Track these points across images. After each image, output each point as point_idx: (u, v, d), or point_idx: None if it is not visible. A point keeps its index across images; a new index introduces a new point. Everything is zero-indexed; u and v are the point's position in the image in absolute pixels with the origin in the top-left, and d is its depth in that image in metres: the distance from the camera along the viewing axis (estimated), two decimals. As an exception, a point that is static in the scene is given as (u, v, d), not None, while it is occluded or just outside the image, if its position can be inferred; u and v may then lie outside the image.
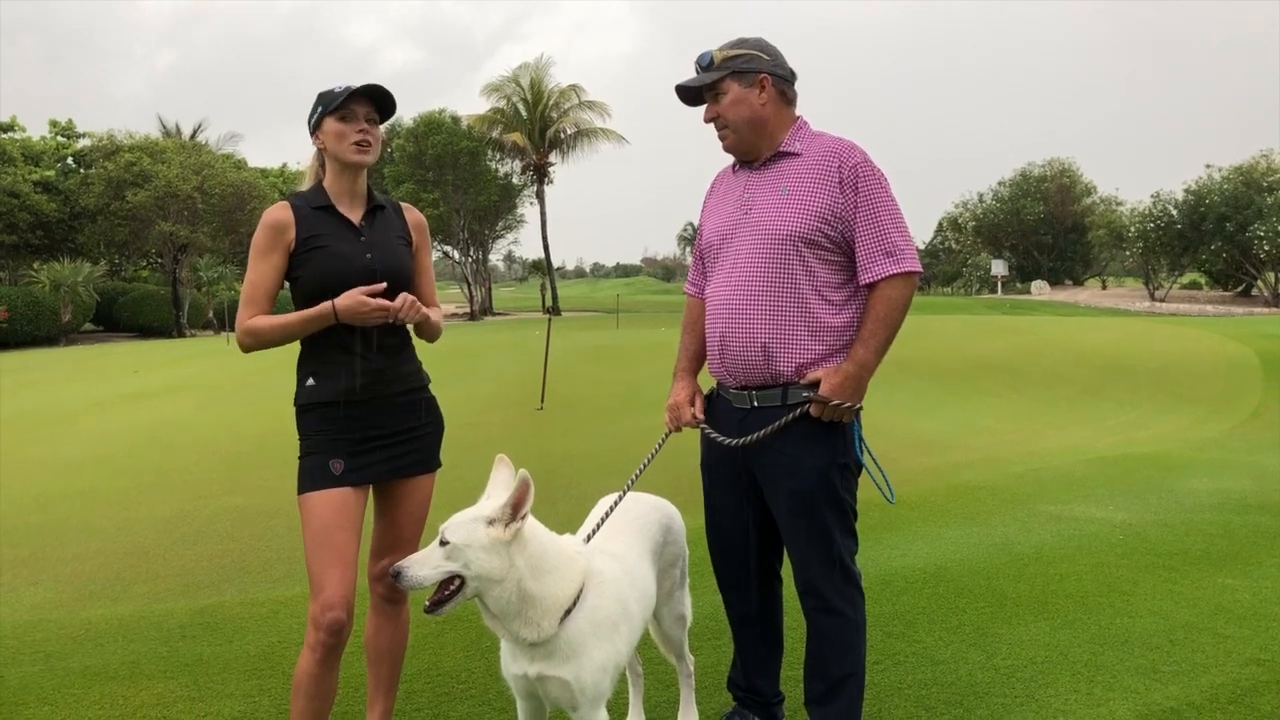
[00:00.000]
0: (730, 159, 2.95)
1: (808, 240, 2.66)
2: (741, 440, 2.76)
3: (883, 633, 3.87)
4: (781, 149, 2.77)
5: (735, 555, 2.98)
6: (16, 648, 4.04)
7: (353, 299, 2.59)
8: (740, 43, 2.77)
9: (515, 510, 2.29)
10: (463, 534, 2.27)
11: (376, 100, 2.72)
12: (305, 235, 2.66)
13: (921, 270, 2.76)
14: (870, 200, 2.65)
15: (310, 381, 2.68)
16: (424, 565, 2.27)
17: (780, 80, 2.76)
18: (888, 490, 2.88)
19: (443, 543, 2.27)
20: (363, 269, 2.68)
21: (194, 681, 3.60)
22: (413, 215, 2.93)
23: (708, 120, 2.83)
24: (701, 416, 2.94)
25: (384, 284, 2.65)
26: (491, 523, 2.28)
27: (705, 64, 2.78)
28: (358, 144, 2.68)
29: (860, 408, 2.70)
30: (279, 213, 2.67)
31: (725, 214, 2.87)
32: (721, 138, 2.83)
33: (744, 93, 2.73)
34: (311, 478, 2.65)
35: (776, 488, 2.76)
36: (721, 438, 2.83)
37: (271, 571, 5.21)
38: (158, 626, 4.24)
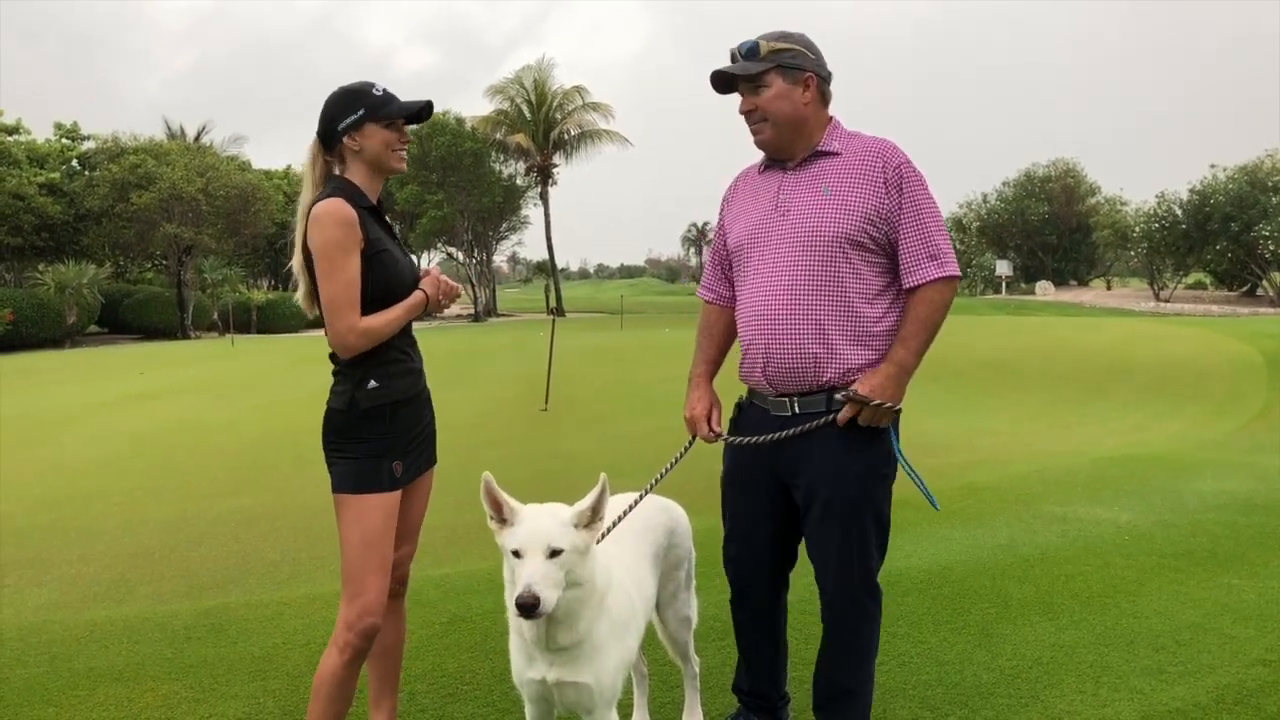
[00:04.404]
0: (740, 162, 2.88)
1: (853, 241, 2.59)
2: (767, 437, 2.68)
3: (887, 633, 3.85)
4: (820, 148, 2.69)
5: (756, 567, 2.89)
6: (21, 649, 4.04)
7: (435, 285, 2.73)
8: (785, 36, 2.67)
9: (595, 513, 2.29)
10: (569, 540, 2.20)
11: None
12: (371, 237, 2.64)
13: (961, 275, 2.69)
14: (914, 202, 2.60)
15: (373, 383, 2.64)
16: (552, 585, 2.15)
17: (822, 81, 2.68)
18: (929, 497, 2.80)
19: (553, 553, 2.17)
20: (408, 268, 2.77)
21: (198, 683, 3.60)
22: None
23: (744, 111, 2.71)
24: (720, 430, 2.86)
25: (437, 268, 2.80)
26: (576, 526, 2.25)
27: (747, 53, 2.66)
28: (402, 153, 2.73)
29: (900, 409, 2.62)
30: (347, 210, 2.58)
31: (756, 215, 2.75)
32: (756, 131, 2.71)
33: (788, 89, 2.63)
34: (373, 479, 2.63)
35: (813, 496, 2.67)
36: (745, 439, 2.75)
37: (276, 573, 5.22)
38: (162, 628, 4.24)
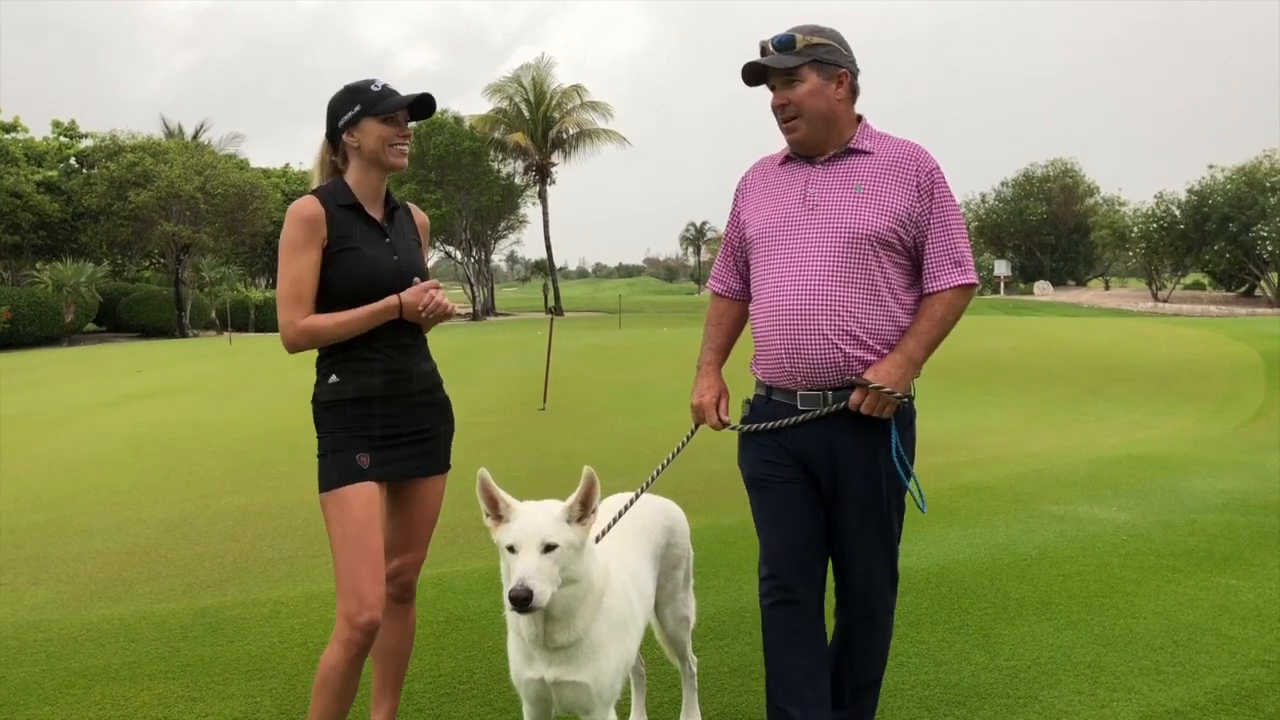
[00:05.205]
0: (759, 153, 2.86)
1: (883, 240, 2.58)
2: (778, 422, 2.64)
3: (885, 633, 3.86)
4: (851, 146, 2.66)
5: (809, 570, 2.70)
6: (18, 647, 4.04)
7: (419, 295, 2.67)
8: (818, 30, 2.63)
9: (585, 507, 2.27)
10: (563, 535, 2.20)
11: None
12: (336, 234, 2.63)
13: (978, 283, 2.70)
14: (943, 208, 2.61)
15: (334, 378, 2.66)
16: (546, 580, 2.15)
17: (854, 78, 2.67)
18: (919, 500, 2.77)
19: (548, 548, 2.18)
20: (391, 271, 2.71)
21: (195, 682, 3.59)
22: (420, 216, 2.97)
23: (776, 105, 2.67)
24: (729, 419, 2.83)
25: (436, 282, 2.74)
26: (568, 521, 2.24)
27: (782, 45, 2.61)
28: (401, 148, 2.70)
29: (905, 400, 2.59)
30: (311, 207, 2.61)
31: (780, 208, 2.71)
32: (790, 129, 2.67)
33: (822, 84, 2.60)
34: (340, 473, 2.63)
35: (849, 491, 2.64)
36: (752, 425, 2.71)
37: (273, 572, 5.21)
38: (159, 627, 4.23)
